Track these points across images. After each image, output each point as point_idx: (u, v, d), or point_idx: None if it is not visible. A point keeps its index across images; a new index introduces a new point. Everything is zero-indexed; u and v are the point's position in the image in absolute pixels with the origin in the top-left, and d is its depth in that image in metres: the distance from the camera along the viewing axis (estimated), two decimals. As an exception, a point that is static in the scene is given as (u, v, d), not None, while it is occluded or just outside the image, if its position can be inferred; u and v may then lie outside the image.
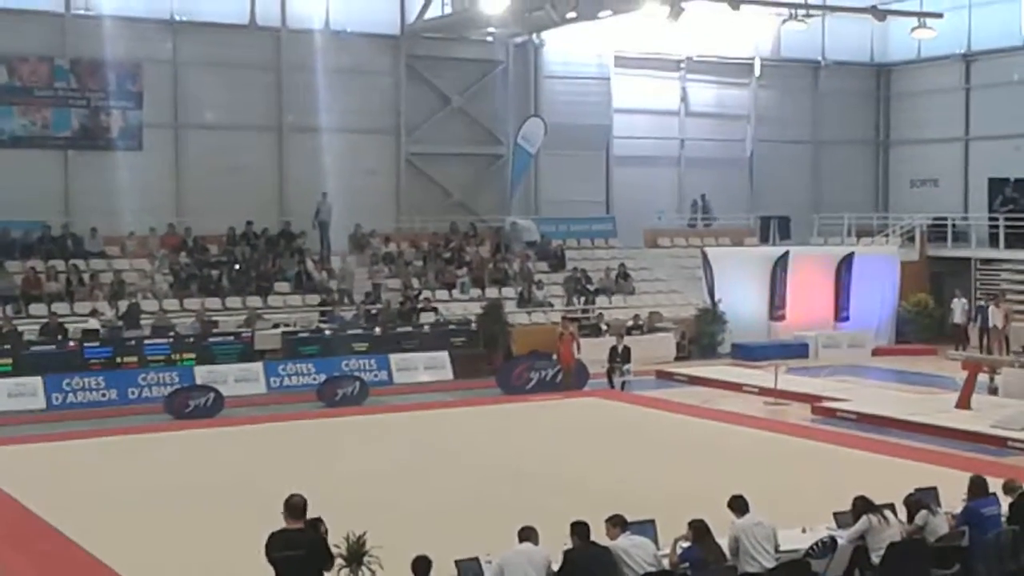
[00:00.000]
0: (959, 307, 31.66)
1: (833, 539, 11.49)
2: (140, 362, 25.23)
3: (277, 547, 9.36)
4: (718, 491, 11.95)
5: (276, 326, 27.77)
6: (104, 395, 24.33)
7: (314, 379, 25.72)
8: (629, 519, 11.11)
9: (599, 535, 10.70)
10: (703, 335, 31.35)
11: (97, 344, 25.34)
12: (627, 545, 10.66)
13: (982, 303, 31.59)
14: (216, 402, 23.37)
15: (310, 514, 9.72)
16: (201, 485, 16.67)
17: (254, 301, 29.27)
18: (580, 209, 37.30)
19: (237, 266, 30.39)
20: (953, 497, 12.41)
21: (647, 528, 11.11)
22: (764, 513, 11.26)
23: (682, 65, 39.10)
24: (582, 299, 32.35)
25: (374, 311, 29.11)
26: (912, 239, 35.81)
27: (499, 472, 17.41)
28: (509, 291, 31.86)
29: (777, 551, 11.03)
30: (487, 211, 36.26)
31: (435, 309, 29.78)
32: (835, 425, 21.61)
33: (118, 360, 25.15)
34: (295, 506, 9.54)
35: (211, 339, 26.37)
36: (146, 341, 25.79)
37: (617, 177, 38.25)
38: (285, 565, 9.32)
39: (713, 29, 37.47)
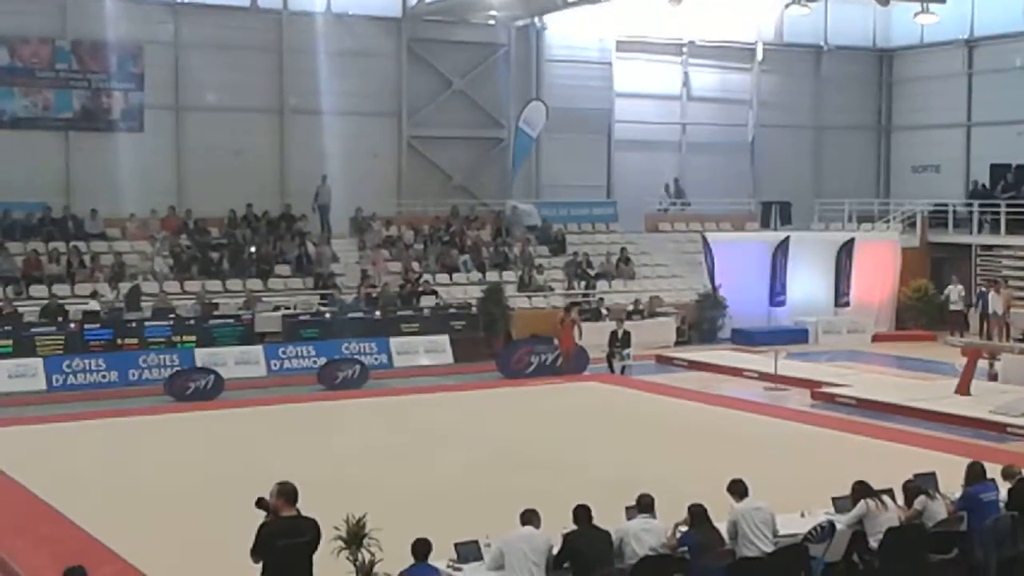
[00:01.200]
0: (955, 293, 31.70)
1: (831, 524, 11.52)
2: (141, 344, 25.24)
3: (280, 535, 9.22)
4: (717, 476, 11.97)
5: (276, 309, 27.79)
6: (105, 377, 24.38)
7: (314, 362, 25.73)
8: (628, 503, 11.14)
9: (598, 518, 10.71)
10: (703, 320, 31.35)
11: (98, 326, 25.37)
12: (637, 527, 10.71)
13: (983, 289, 31.58)
14: (216, 384, 23.38)
15: (312, 498, 9.69)
16: (201, 467, 16.71)
17: (254, 284, 29.29)
18: (581, 193, 37.30)
19: (253, 248, 30.35)
20: (952, 483, 12.42)
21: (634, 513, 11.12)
22: (763, 498, 11.28)
23: (684, 49, 39.01)
24: (583, 283, 32.32)
25: (374, 294, 29.10)
26: (913, 225, 35.78)
27: (498, 456, 17.44)
28: (510, 275, 31.84)
29: (776, 535, 11.06)
30: (488, 195, 36.24)
31: (435, 292, 29.78)
32: (834, 410, 21.63)
33: (119, 342, 25.17)
34: (292, 493, 9.39)
35: (211, 321, 26.40)
36: (147, 323, 25.81)
37: (618, 161, 38.22)
38: (290, 553, 9.22)
39: (715, 13, 37.44)
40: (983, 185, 36.20)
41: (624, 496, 11.24)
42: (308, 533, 9.32)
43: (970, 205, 35.13)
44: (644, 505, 10.96)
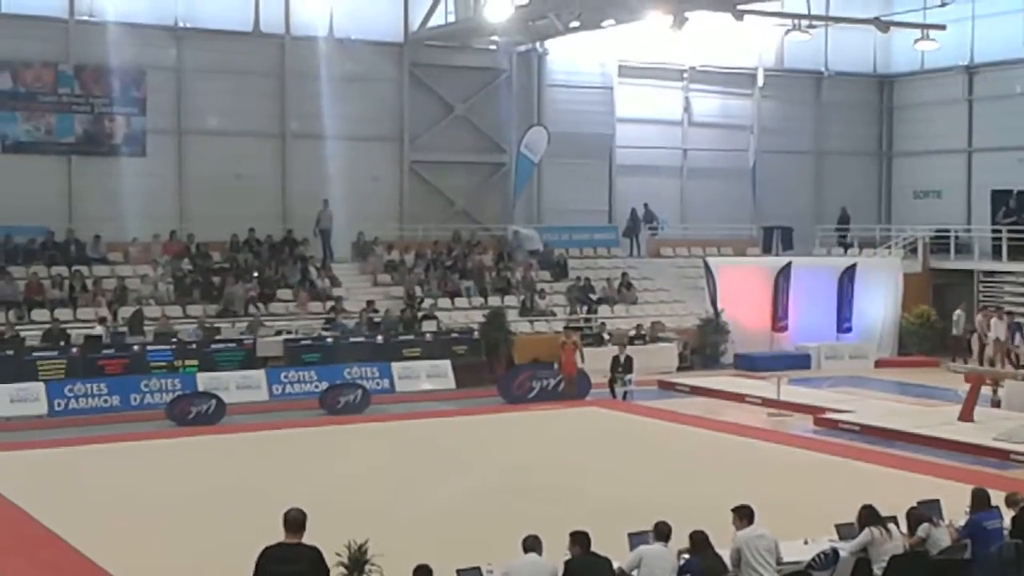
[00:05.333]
0: (959, 319, 31.63)
1: (835, 551, 11.49)
2: (143, 369, 25.15)
3: (274, 561, 9.25)
4: (719, 502, 11.94)
5: (278, 333, 27.78)
6: (106, 401, 24.33)
7: (316, 387, 25.66)
8: (631, 530, 11.12)
9: (600, 545, 10.68)
10: (705, 345, 31.32)
11: (100, 351, 25.32)
12: (657, 554, 10.73)
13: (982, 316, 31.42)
14: (218, 409, 23.33)
15: (314, 523, 9.66)
16: (203, 492, 16.66)
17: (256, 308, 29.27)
18: (583, 218, 37.33)
19: (256, 274, 30.35)
20: (956, 510, 12.40)
21: (648, 538, 11.10)
22: (766, 524, 11.24)
23: (685, 75, 39.12)
24: (584, 308, 32.32)
25: (376, 319, 29.07)
26: (915, 251, 35.79)
27: (500, 481, 17.39)
28: (511, 300, 31.84)
29: (779, 563, 11.02)
30: (490, 219, 36.27)
31: (435, 318, 29.73)
32: (837, 436, 21.56)
33: (121, 366, 25.06)
34: (293, 520, 9.40)
35: (213, 346, 26.37)
36: (149, 348, 25.77)
37: (620, 186, 38.26)
38: None
39: (716, 39, 37.51)
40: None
41: (626, 522, 11.22)
42: (302, 563, 9.24)
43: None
44: (661, 533, 10.93)
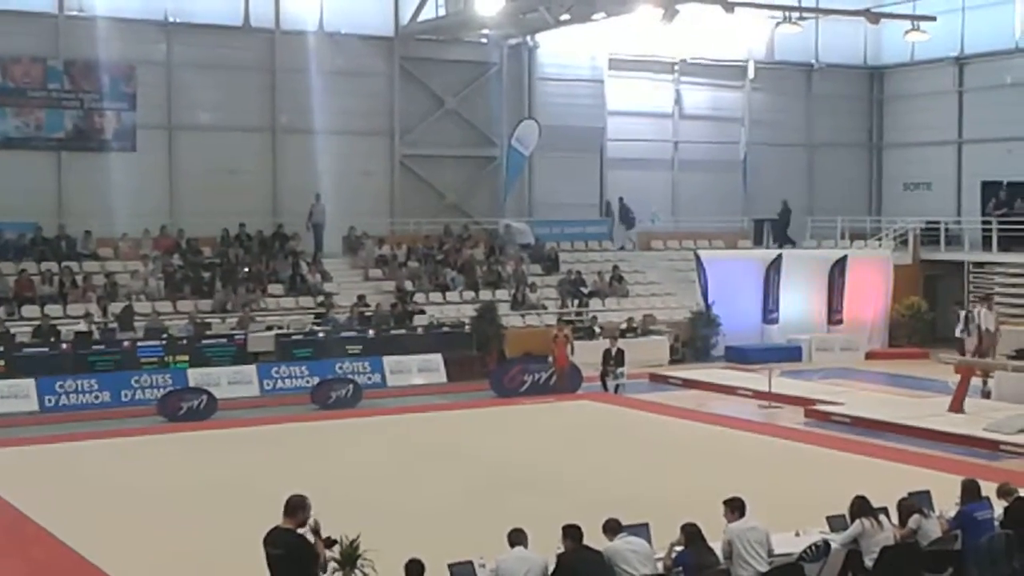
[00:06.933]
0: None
1: (826, 543, 11.50)
2: (133, 364, 25.13)
3: (267, 543, 9.62)
4: (712, 494, 11.97)
5: (269, 328, 27.75)
6: (97, 397, 24.31)
7: (307, 382, 25.67)
8: (623, 523, 11.11)
9: (592, 538, 10.69)
10: (697, 338, 31.37)
11: (91, 346, 25.27)
12: (623, 547, 10.67)
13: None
14: (209, 404, 23.34)
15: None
16: (194, 488, 16.66)
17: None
18: (574, 212, 37.31)
19: (247, 269, 30.31)
20: (946, 501, 12.42)
21: (641, 531, 11.11)
22: (757, 516, 11.27)
23: (676, 67, 39.11)
24: (576, 302, 32.35)
25: (367, 313, 29.06)
26: (905, 242, 35.84)
27: (492, 475, 17.41)
28: (503, 293, 31.85)
29: (770, 555, 11.04)
30: (481, 213, 36.25)
31: (423, 312, 29.71)
32: (828, 428, 21.63)
33: (112, 362, 25.04)
34: (287, 505, 9.71)
35: (204, 341, 26.36)
36: (139, 343, 25.74)
37: (611, 179, 38.25)
38: (270, 562, 9.58)
39: (707, 32, 37.45)
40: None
41: (617, 516, 11.20)
42: (281, 548, 9.53)
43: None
44: (611, 528, 10.93)
